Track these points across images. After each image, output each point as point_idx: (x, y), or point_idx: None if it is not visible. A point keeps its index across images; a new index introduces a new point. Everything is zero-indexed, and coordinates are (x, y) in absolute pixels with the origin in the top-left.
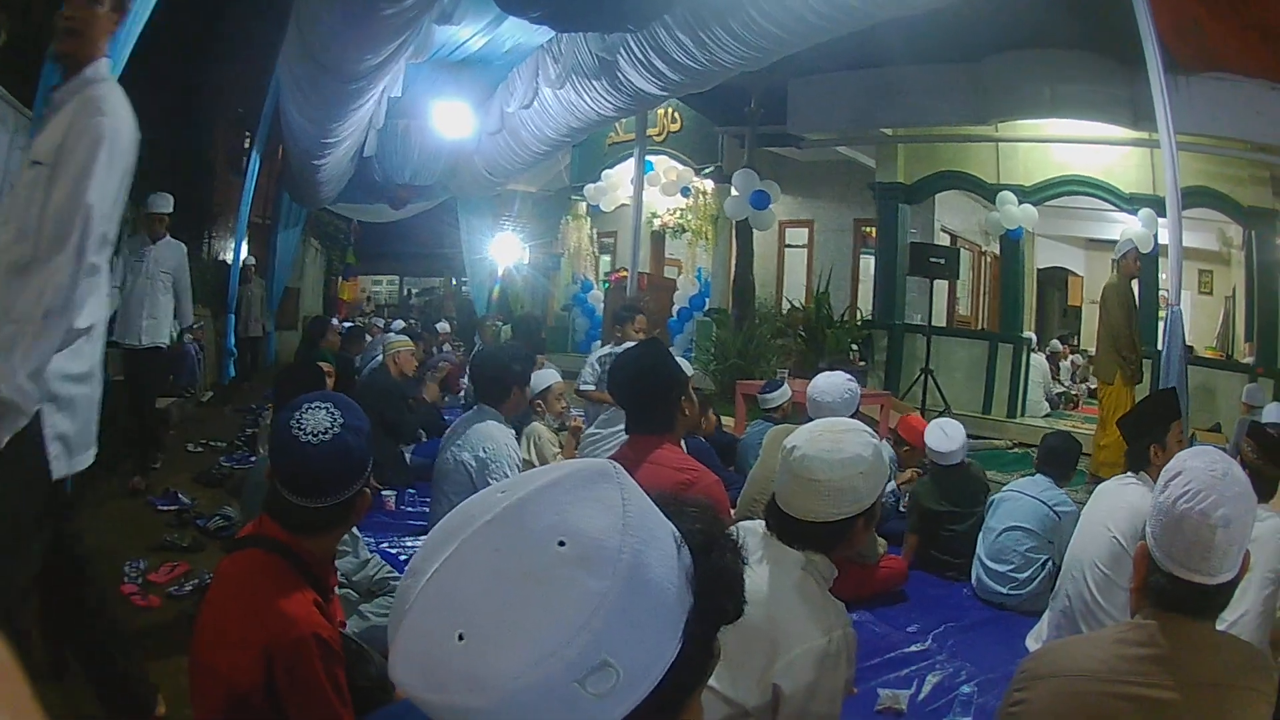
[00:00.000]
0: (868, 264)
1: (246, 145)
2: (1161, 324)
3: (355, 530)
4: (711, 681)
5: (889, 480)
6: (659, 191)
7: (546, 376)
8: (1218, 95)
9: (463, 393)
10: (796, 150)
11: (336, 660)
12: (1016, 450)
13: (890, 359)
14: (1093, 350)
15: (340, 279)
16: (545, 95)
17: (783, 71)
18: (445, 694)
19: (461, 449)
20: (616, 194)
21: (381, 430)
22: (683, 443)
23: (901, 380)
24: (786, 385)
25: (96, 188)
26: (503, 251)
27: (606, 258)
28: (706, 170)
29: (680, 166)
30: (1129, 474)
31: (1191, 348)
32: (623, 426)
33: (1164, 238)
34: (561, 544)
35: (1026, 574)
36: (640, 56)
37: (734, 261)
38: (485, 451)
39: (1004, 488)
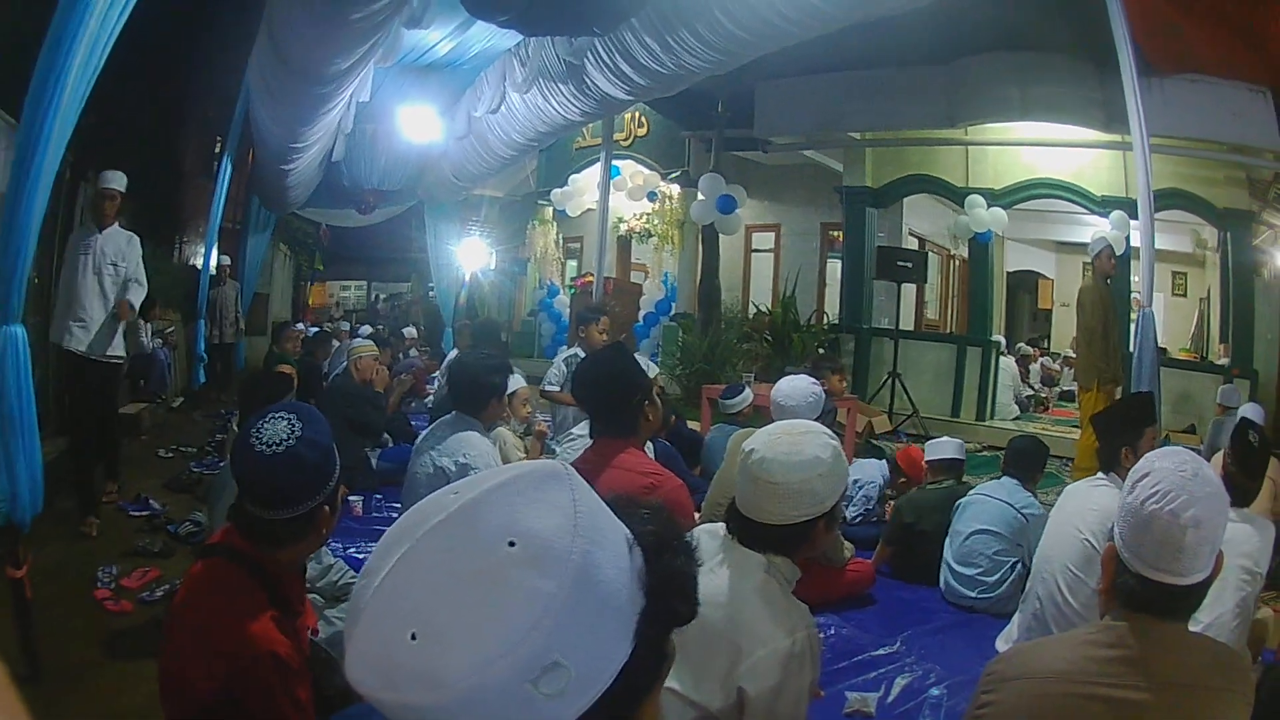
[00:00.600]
0: (835, 268)
1: (217, 150)
2: (1134, 326)
3: None
4: (674, 684)
5: (883, 488)
6: (625, 196)
7: (511, 382)
8: (1193, 97)
9: (429, 398)
10: (763, 154)
11: (296, 677)
12: (985, 453)
13: (857, 363)
14: (1063, 353)
15: (309, 284)
16: (512, 100)
17: (750, 75)
18: (399, 693)
19: (440, 454)
20: (583, 199)
21: (349, 433)
22: (649, 445)
23: (869, 384)
24: (748, 390)
25: None
26: (470, 256)
27: (573, 262)
28: (673, 175)
29: (647, 171)
30: (1099, 475)
31: (1165, 350)
32: None
33: (1136, 240)
34: (512, 544)
35: (995, 577)
36: (607, 61)
37: (700, 266)
38: (466, 458)
39: (971, 491)
